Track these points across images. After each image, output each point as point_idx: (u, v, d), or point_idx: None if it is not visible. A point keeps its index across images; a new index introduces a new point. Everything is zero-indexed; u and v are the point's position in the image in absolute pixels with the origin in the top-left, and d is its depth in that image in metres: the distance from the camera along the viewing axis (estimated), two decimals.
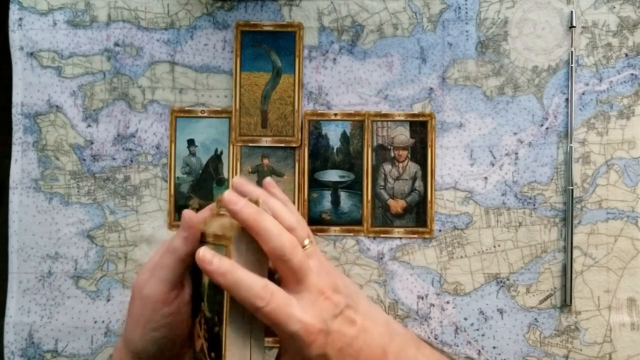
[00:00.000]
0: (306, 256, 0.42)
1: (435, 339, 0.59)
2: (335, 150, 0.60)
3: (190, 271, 0.45)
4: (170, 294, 0.43)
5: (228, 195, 0.41)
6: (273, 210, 0.43)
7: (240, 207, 0.40)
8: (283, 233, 0.40)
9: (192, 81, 0.61)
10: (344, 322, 0.41)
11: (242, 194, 0.44)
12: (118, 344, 0.47)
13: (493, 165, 0.59)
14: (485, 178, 0.59)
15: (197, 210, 0.60)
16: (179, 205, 0.60)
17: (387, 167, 0.60)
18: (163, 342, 0.43)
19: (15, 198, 0.61)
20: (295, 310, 0.39)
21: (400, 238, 0.59)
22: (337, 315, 0.41)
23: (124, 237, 0.60)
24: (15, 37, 0.61)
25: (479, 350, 0.58)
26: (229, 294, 0.40)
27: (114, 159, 0.61)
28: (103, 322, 0.60)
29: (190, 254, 0.43)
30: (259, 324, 0.41)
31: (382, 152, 0.60)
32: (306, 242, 0.44)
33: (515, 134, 0.59)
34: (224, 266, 0.39)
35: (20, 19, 0.61)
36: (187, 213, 0.44)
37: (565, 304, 0.58)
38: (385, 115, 0.60)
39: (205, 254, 0.40)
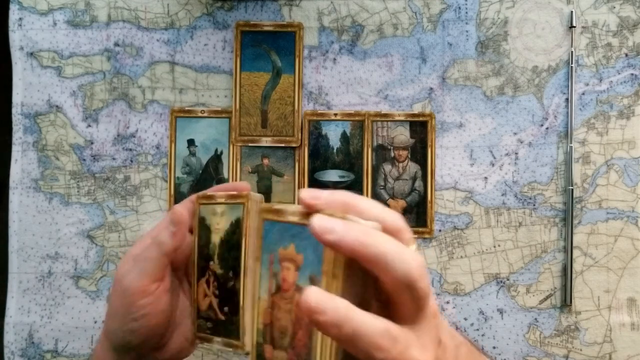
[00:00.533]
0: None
1: None
2: (335, 150, 0.60)
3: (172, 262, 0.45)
4: (152, 285, 0.43)
5: (318, 220, 0.30)
6: (365, 210, 0.32)
7: (340, 236, 0.29)
8: (407, 255, 0.30)
9: (192, 81, 0.61)
10: (439, 346, 0.33)
11: (314, 209, 0.32)
12: (100, 337, 0.47)
13: (493, 165, 0.59)
14: (485, 178, 0.59)
15: None
16: None
17: (387, 167, 0.60)
18: (143, 332, 0.43)
19: (15, 198, 0.61)
20: (415, 351, 0.30)
21: None
22: (439, 340, 0.33)
23: (124, 237, 0.60)
24: (15, 37, 0.61)
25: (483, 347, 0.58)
26: (341, 344, 0.30)
27: (114, 159, 0.61)
28: (103, 322, 0.60)
29: (176, 249, 0.43)
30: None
31: (382, 152, 0.60)
32: (414, 246, 0.33)
33: (515, 134, 0.59)
34: (340, 313, 0.29)
35: (20, 19, 0.61)
36: (178, 208, 0.43)
37: (565, 304, 0.58)
38: (385, 115, 0.60)
39: (314, 297, 0.29)
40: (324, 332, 0.30)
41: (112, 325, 0.43)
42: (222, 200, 0.43)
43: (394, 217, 0.32)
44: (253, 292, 0.38)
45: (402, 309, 0.31)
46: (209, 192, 0.45)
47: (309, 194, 0.32)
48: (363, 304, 0.30)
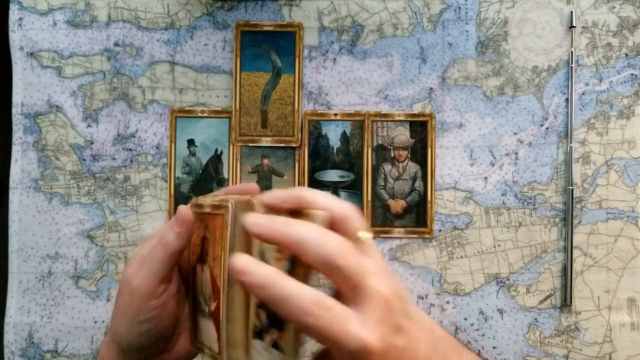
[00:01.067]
0: (361, 255, 0.34)
1: None
2: (335, 150, 0.60)
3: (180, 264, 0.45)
4: (159, 287, 0.42)
5: (249, 217, 0.34)
6: (315, 201, 0.35)
7: (261, 227, 0.33)
8: (324, 238, 0.33)
9: (192, 81, 0.61)
10: (397, 333, 0.34)
11: (277, 207, 0.36)
12: (105, 338, 0.46)
13: (493, 165, 0.59)
14: (485, 178, 0.59)
15: None
16: (179, 205, 0.60)
17: (387, 167, 0.60)
18: (150, 334, 0.43)
19: (15, 198, 0.61)
20: (354, 325, 0.32)
21: (400, 238, 0.59)
22: (397, 327, 0.34)
23: (124, 237, 0.60)
24: (15, 37, 0.61)
25: (479, 350, 0.58)
26: (270, 307, 0.33)
27: (114, 159, 0.61)
28: (103, 322, 0.60)
29: (183, 249, 0.43)
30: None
31: (382, 152, 0.60)
32: (361, 234, 0.35)
33: (515, 134, 0.59)
34: (264, 275, 0.32)
35: (20, 19, 0.61)
36: (183, 208, 0.43)
37: (565, 304, 0.58)
38: (385, 115, 0.60)
39: (237, 262, 0.32)
40: (252, 292, 0.33)
41: (120, 327, 0.43)
42: (208, 210, 0.42)
43: (342, 207, 0.36)
44: (245, 300, 0.38)
45: (340, 291, 0.34)
46: (209, 196, 0.45)
47: (269, 195, 0.36)
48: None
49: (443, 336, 0.40)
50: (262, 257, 0.37)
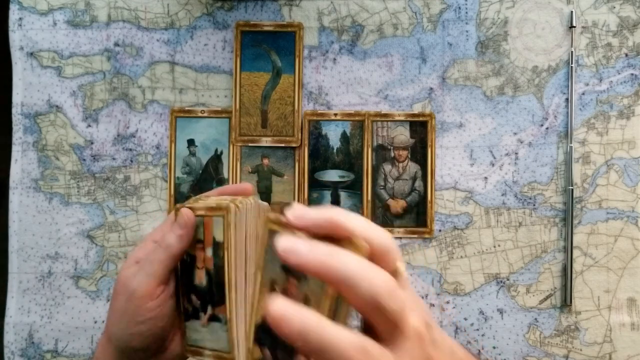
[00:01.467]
0: (403, 294, 0.31)
1: None
2: (335, 150, 0.60)
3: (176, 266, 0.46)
4: (158, 288, 0.43)
5: (282, 241, 0.30)
6: (353, 228, 0.31)
7: (303, 256, 0.30)
8: (372, 274, 0.30)
9: (192, 81, 0.61)
10: None
11: (307, 230, 0.32)
12: (101, 340, 0.46)
13: (493, 165, 0.59)
14: (485, 178, 0.59)
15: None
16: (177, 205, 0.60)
17: (387, 167, 0.60)
18: (147, 335, 0.43)
19: (15, 198, 0.61)
20: None
21: (400, 238, 0.59)
22: (427, 358, 0.32)
23: (124, 237, 0.60)
24: (15, 37, 0.61)
25: (479, 350, 0.58)
26: (311, 355, 0.30)
27: (114, 159, 0.61)
28: (103, 322, 0.60)
29: (184, 251, 0.43)
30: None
31: (382, 152, 0.60)
32: (399, 264, 0.33)
33: (515, 134, 0.59)
34: (306, 323, 0.29)
35: (20, 19, 0.61)
36: (186, 211, 0.44)
37: (565, 304, 0.58)
38: (385, 115, 0.60)
39: (276, 306, 0.29)
40: (290, 342, 0.29)
41: (117, 328, 0.43)
42: (202, 212, 0.42)
43: (382, 237, 0.32)
44: (252, 299, 0.37)
45: (378, 330, 0.31)
46: (203, 196, 0.45)
47: (292, 214, 0.32)
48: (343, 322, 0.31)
49: (464, 357, 0.38)
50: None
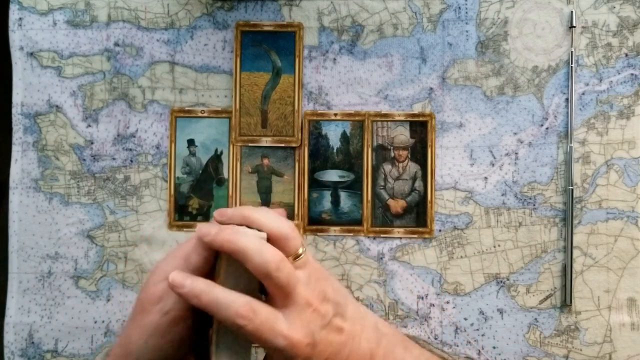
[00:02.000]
0: (294, 268, 0.41)
1: (435, 339, 0.59)
2: (335, 150, 0.60)
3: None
4: (187, 304, 0.42)
5: (200, 227, 0.41)
6: (259, 221, 0.41)
7: (213, 236, 0.40)
8: (264, 249, 0.39)
9: (192, 81, 0.61)
10: (331, 331, 0.41)
11: (226, 221, 0.43)
12: (115, 352, 0.45)
13: (493, 165, 0.59)
14: (485, 178, 0.59)
15: (197, 209, 0.60)
16: (179, 205, 0.60)
17: (387, 167, 0.60)
18: (171, 353, 0.43)
19: (15, 198, 0.61)
20: (281, 325, 0.38)
21: (400, 238, 0.59)
22: (325, 325, 0.41)
23: (124, 237, 0.60)
24: (15, 37, 0.61)
25: (479, 350, 0.58)
26: (210, 314, 0.39)
27: (114, 159, 0.61)
28: (103, 322, 0.60)
29: (209, 270, 0.43)
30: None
31: (382, 152, 0.60)
32: (300, 250, 0.42)
33: (515, 134, 0.59)
34: (198, 287, 0.39)
35: (20, 19, 0.61)
36: (208, 230, 0.43)
37: (565, 304, 0.58)
38: (385, 115, 0.60)
39: (175, 278, 0.39)
40: (190, 302, 0.39)
41: (141, 344, 0.42)
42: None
43: (282, 227, 0.42)
44: None
45: (272, 294, 0.40)
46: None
47: (217, 213, 0.43)
48: (250, 294, 0.40)
49: (389, 333, 0.47)
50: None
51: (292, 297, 0.39)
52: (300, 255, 0.42)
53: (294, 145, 0.60)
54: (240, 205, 0.59)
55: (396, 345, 0.46)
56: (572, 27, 0.59)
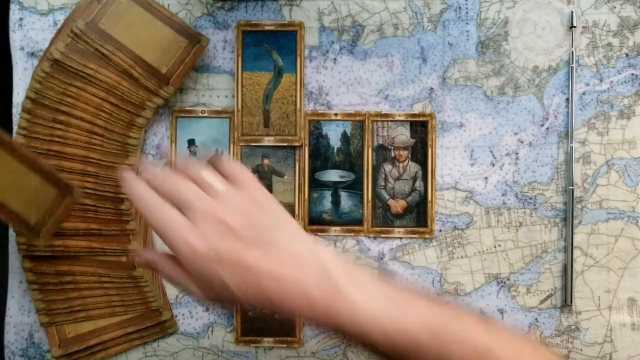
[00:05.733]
0: (188, 187, 0.42)
1: None
2: (335, 150, 0.60)
3: None
4: None
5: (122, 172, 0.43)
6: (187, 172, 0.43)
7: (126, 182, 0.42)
8: (165, 177, 0.42)
9: (192, 81, 0.61)
10: (250, 248, 0.40)
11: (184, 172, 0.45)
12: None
13: (493, 165, 0.60)
14: (486, 178, 0.60)
15: None
16: None
17: (388, 167, 0.60)
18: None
19: None
20: (186, 232, 0.39)
21: (401, 238, 0.59)
22: (250, 242, 0.40)
23: None
24: (16, 37, 0.61)
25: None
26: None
27: None
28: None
29: None
30: None
31: (383, 152, 0.60)
32: (204, 173, 0.43)
33: (515, 134, 0.59)
34: (137, 190, 0.42)
35: (21, 19, 0.61)
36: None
37: (566, 304, 0.58)
38: (386, 115, 0.60)
39: (125, 174, 0.42)
40: (130, 198, 0.43)
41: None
42: None
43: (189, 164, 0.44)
44: None
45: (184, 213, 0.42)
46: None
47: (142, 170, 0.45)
48: None
49: (337, 271, 0.41)
50: None
51: (196, 212, 0.41)
52: (206, 180, 0.43)
53: (296, 144, 0.60)
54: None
55: (355, 276, 0.41)
56: (572, 27, 0.59)
